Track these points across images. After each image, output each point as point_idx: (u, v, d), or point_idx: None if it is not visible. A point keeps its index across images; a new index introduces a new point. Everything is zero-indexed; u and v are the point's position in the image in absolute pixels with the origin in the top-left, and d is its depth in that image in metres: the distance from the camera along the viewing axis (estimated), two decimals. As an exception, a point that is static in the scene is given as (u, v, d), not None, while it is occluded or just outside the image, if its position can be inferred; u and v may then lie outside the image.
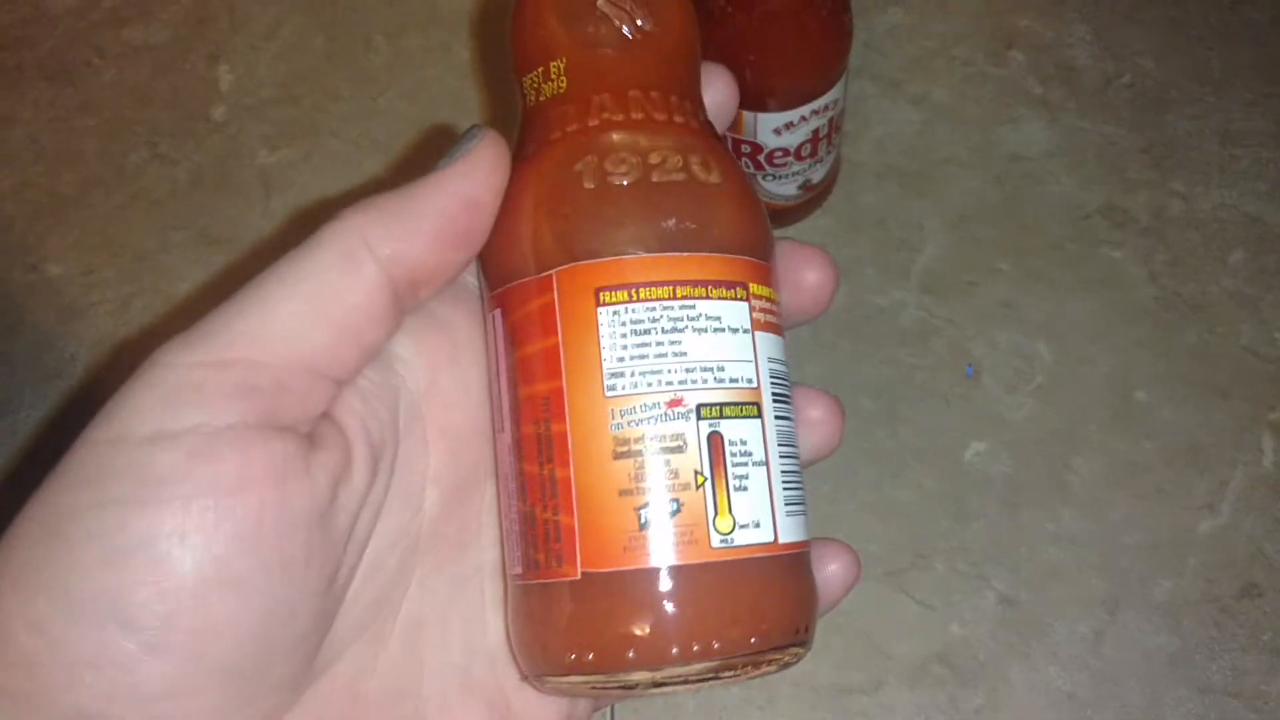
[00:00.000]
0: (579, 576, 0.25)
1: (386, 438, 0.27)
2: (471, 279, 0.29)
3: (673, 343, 0.26)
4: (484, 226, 0.27)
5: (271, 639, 0.25)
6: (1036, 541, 0.42)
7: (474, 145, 0.27)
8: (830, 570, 0.31)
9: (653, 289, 0.26)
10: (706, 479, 0.25)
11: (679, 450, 0.25)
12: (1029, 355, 0.45)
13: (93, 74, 0.53)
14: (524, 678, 0.27)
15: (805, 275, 0.30)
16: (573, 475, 0.25)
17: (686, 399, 0.25)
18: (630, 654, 0.24)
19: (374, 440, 0.27)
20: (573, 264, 0.26)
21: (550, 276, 0.26)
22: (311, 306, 0.25)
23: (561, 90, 0.27)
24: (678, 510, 0.25)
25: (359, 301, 0.25)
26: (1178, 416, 0.44)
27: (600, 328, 0.26)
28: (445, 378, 0.28)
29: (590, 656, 0.25)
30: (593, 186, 0.26)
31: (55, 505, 0.24)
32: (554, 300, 0.26)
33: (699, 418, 0.25)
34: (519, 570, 0.26)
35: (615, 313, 0.26)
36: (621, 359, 0.25)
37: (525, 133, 0.28)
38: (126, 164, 0.51)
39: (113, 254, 0.48)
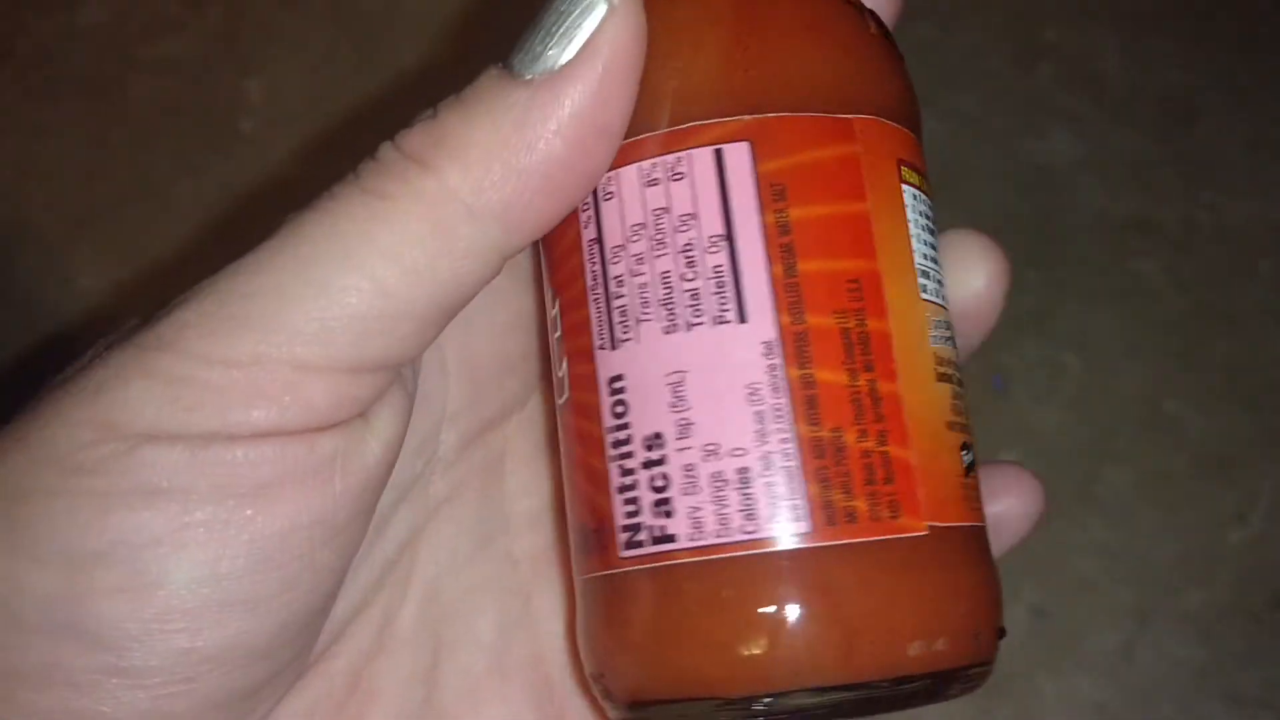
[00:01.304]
0: (925, 531, 0.19)
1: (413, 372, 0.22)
2: None
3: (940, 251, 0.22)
4: (607, 158, 0.20)
5: (279, 654, 0.20)
6: (1066, 552, 0.42)
7: (594, 22, 0.19)
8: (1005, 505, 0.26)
9: (928, 184, 0.21)
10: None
11: (963, 384, 0.21)
12: (1058, 366, 0.45)
13: (124, 87, 0.54)
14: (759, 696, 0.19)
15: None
16: (902, 393, 0.19)
17: None
18: (978, 638, 0.20)
19: (409, 384, 0.22)
20: (877, 118, 0.20)
21: (849, 122, 0.20)
22: (391, 299, 0.19)
23: None
24: (973, 461, 0.21)
25: (457, 281, 0.19)
26: (1207, 427, 0.44)
27: (906, 209, 0.20)
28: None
29: (946, 643, 0.19)
30: (878, 36, 0.21)
31: (13, 481, 0.19)
32: (858, 154, 0.20)
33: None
34: (802, 523, 0.18)
35: (915, 196, 0.21)
36: (925, 256, 0.21)
37: None
38: (157, 176, 0.51)
39: (143, 266, 0.49)
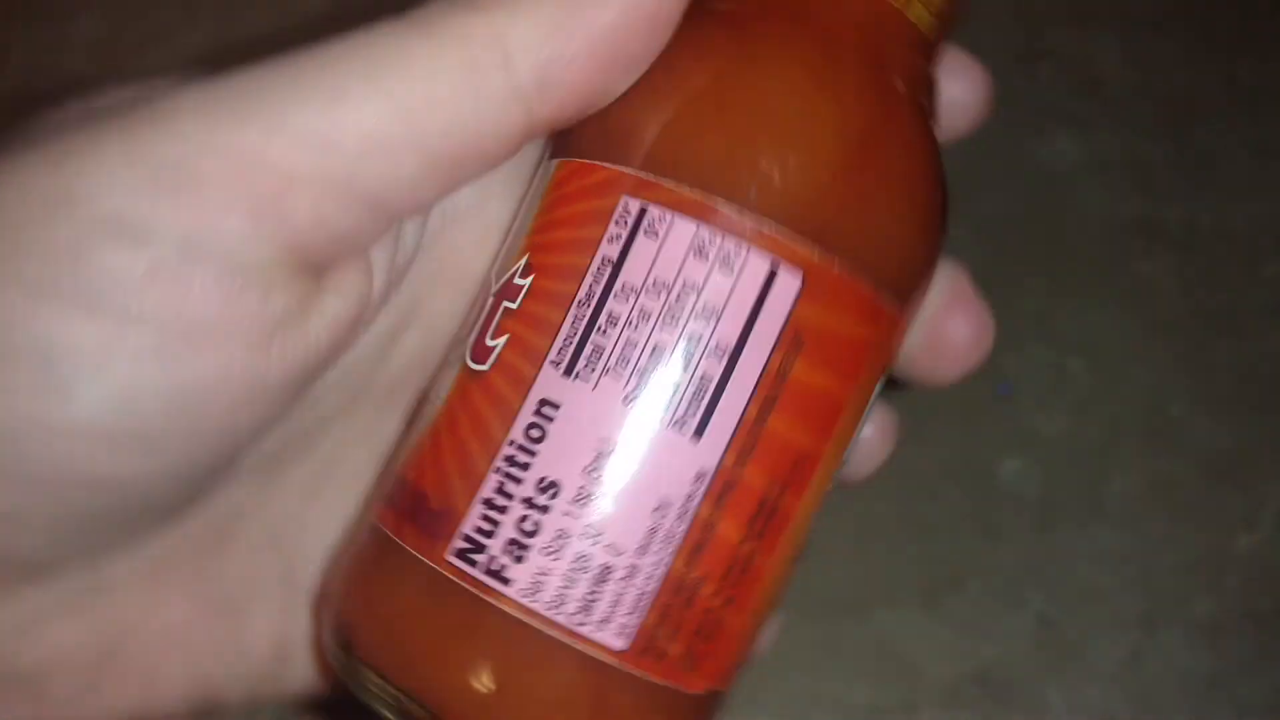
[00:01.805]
0: (701, 692, 0.21)
1: (403, 268, 0.22)
2: None
3: None
4: (656, 47, 0.20)
5: (165, 495, 0.20)
6: (1072, 560, 0.42)
7: None
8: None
9: None
10: None
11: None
12: (1061, 370, 0.44)
13: (119, 98, 0.54)
14: None
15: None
16: (767, 569, 0.21)
17: None
18: None
19: (394, 274, 0.21)
20: (903, 313, 0.22)
21: (882, 309, 0.21)
22: (406, 124, 0.18)
23: None
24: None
25: (478, 130, 0.19)
26: (1214, 432, 0.43)
27: (870, 400, 0.23)
28: (477, 211, 0.23)
29: None
30: (944, 223, 0.23)
31: None
32: (872, 344, 0.21)
33: None
34: (621, 642, 0.19)
35: (882, 383, 0.23)
36: (860, 433, 0.24)
37: None
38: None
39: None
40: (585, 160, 0.20)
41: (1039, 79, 0.51)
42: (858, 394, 0.20)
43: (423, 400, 0.22)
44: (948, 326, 0.25)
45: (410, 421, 0.23)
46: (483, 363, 0.20)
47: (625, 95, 0.20)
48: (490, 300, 0.21)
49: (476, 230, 0.23)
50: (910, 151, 0.22)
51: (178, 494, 0.20)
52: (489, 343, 0.20)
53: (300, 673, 0.25)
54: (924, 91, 0.22)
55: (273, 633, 0.24)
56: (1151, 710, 0.39)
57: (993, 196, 0.48)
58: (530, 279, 0.20)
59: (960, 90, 0.25)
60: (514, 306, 0.20)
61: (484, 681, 0.19)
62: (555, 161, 0.21)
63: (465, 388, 0.20)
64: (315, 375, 0.20)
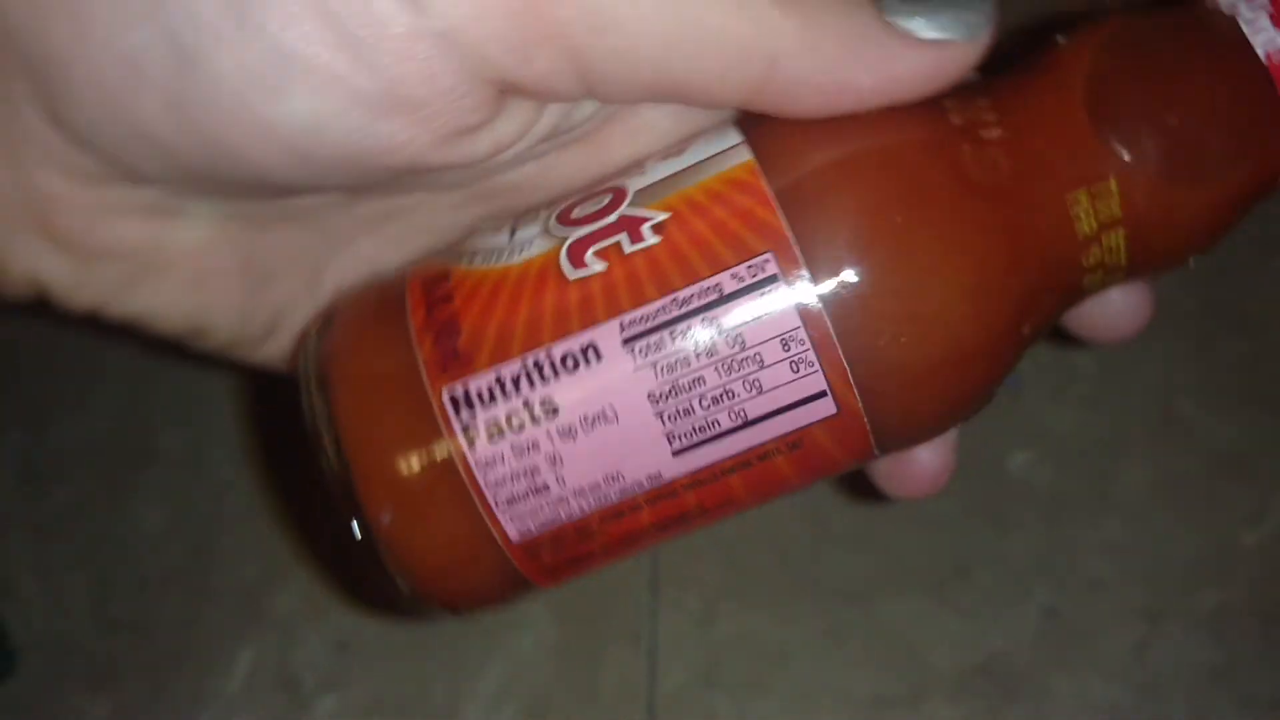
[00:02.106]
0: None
1: (567, 128, 0.24)
2: None
3: None
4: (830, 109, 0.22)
5: (287, 190, 0.24)
6: (1079, 552, 0.42)
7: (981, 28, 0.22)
8: None
9: None
10: None
11: None
12: (1071, 364, 0.45)
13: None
14: None
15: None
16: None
17: None
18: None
19: (558, 129, 0.24)
20: None
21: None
22: (664, 32, 0.21)
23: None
24: None
25: (708, 68, 0.21)
26: (1222, 427, 0.43)
27: None
28: (643, 110, 0.25)
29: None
30: None
31: None
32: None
33: None
34: (512, 533, 0.23)
35: None
36: None
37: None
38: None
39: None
40: (765, 186, 0.22)
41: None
42: (802, 488, 0.24)
43: (513, 217, 0.24)
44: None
45: (492, 224, 0.25)
46: (574, 269, 0.22)
47: (836, 169, 0.22)
48: (614, 216, 0.23)
49: (635, 126, 0.25)
50: (985, 388, 0.24)
51: (292, 192, 0.24)
52: (588, 258, 0.22)
53: (278, 350, 0.28)
54: (1040, 325, 0.24)
55: (278, 304, 0.27)
56: (1155, 702, 0.40)
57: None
58: (657, 240, 0.22)
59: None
60: (627, 249, 0.22)
61: (406, 473, 0.22)
62: (750, 157, 0.23)
63: (546, 275, 0.22)
64: (448, 171, 0.23)
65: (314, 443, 0.23)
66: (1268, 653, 0.40)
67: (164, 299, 0.26)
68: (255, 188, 0.23)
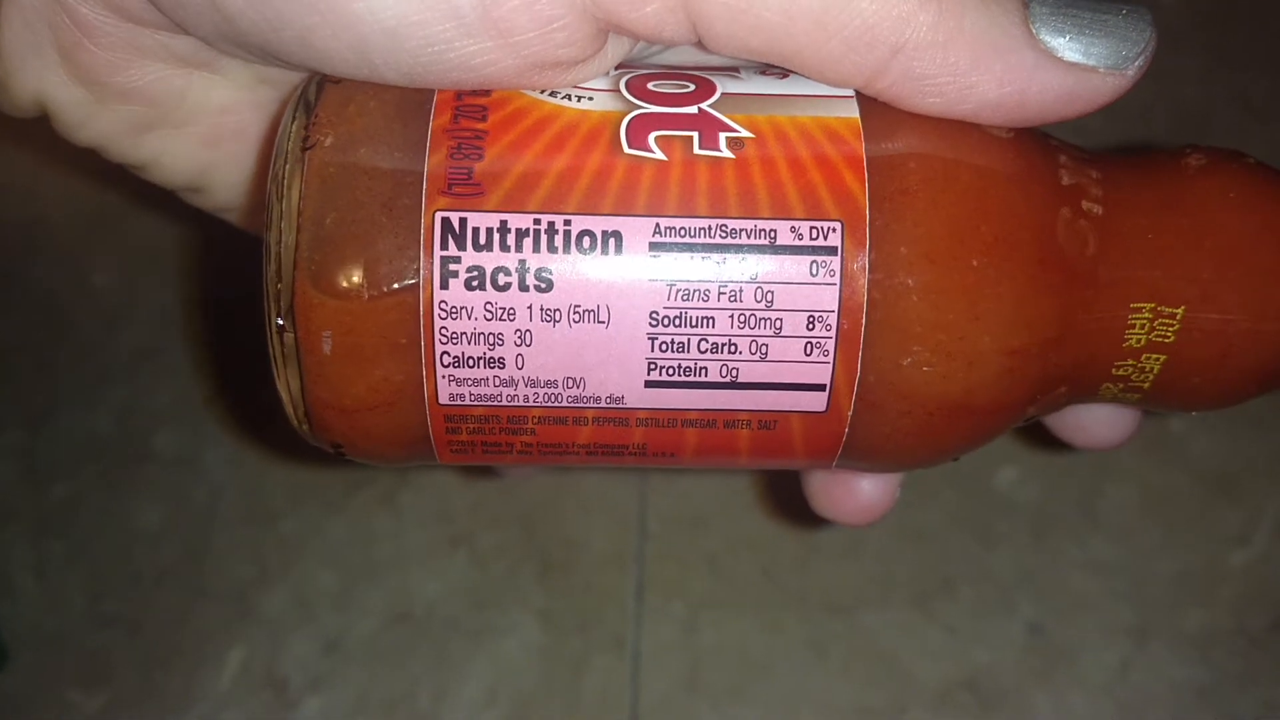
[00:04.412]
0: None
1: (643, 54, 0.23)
2: None
3: None
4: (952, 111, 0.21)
5: (338, 70, 0.22)
6: (1065, 568, 0.42)
7: (1140, 58, 0.21)
8: None
9: None
10: None
11: None
12: (1061, 381, 0.45)
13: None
14: None
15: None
16: None
17: None
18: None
19: (634, 54, 0.23)
20: None
21: None
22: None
23: None
24: None
25: (818, 39, 0.20)
26: (1211, 445, 0.43)
27: None
28: None
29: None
30: None
31: None
32: None
33: None
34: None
35: None
36: None
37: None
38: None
39: (155, 266, 0.49)
40: (862, 151, 0.21)
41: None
42: (744, 469, 0.23)
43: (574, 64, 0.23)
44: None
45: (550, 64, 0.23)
46: (629, 146, 0.21)
47: (943, 168, 0.21)
48: (694, 108, 0.21)
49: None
50: (966, 445, 0.24)
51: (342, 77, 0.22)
52: (650, 140, 0.21)
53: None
54: (1042, 412, 0.25)
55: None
56: (1139, 720, 0.40)
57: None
58: (730, 155, 0.20)
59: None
60: (696, 149, 0.21)
61: (359, 287, 0.20)
62: (857, 115, 0.21)
63: (597, 136, 0.21)
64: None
65: (266, 221, 0.21)
66: (1253, 674, 0.40)
67: (173, 151, 0.25)
68: (304, 68, 0.22)
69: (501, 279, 0.20)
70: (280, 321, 0.20)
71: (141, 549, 0.42)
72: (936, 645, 0.41)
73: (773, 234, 0.20)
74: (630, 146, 0.20)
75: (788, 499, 0.42)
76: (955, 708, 0.40)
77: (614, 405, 0.21)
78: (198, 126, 0.25)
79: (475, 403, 0.21)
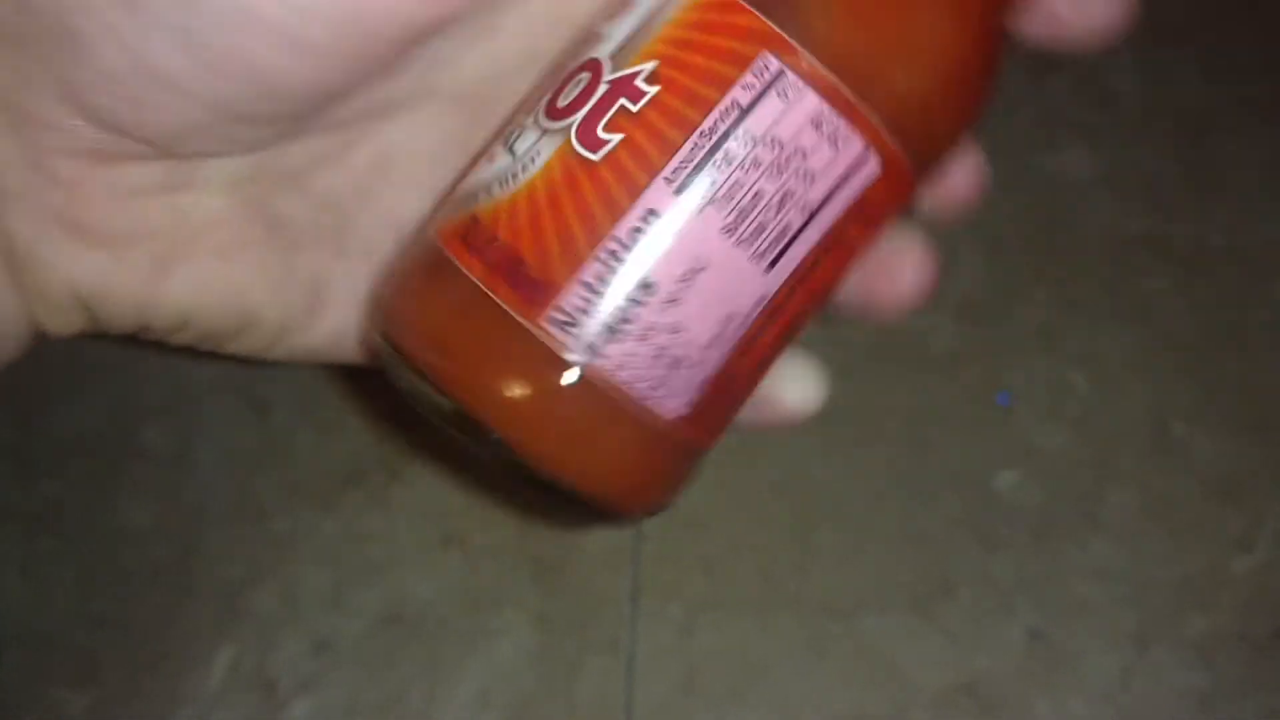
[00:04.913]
0: (675, 418, 0.25)
1: None
2: None
3: None
4: None
5: (298, 101, 0.24)
6: (1066, 574, 0.41)
7: None
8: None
9: None
10: None
11: None
12: (1064, 384, 0.44)
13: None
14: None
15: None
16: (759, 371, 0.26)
17: None
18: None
19: None
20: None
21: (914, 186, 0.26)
22: None
23: None
24: None
25: None
26: (1215, 451, 0.43)
27: None
28: None
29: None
30: None
31: None
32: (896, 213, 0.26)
33: None
34: (680, 408, 0.24)
35: None
36: None
37: None
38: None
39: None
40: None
41: (1050, 90, 0.50)
42: (878, 244, 0.25)
43: (500, 137, 0.25)
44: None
45: (483, 153, 0.25)
46: (594, 152, 0.22)
47: None
48: (603, 87, 0.23)
49: None
50: (986, 93, 0.26)
51: (309, 102, 0.24)
52: (601, 134, 0.23)
53: (325, 330, 0.28)
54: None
55: (313, 275, 0.27)
56: (1140, 727, 0.39)
57: (1000, 206, 0.48)
58: (656, 89, 0.22)
59: None
60: (633, 109, 0.22)
61: (557, 414, 0.23)
62: None
63: (571, 170, 0.23)
64: (424, 38, 0.24)
65: (452, 432, 0.24)
66: (1255, 680, 0.40)
67: (199, 279, 0.26)
68: (268, 105, 0.24)
69: (620, 319, 0.22)
70: (537, 483, 0.24)
71: (130, 547, 0.42)
72: (936, 649, 0.40)
73: (735, 104, 0.22)
74: (595, 153, 0.22)
75: (788, 499, 0.42)
76: (955, 713, 0.40)
77: (766, 304, 0.23)
78: (207, 244, 0.26)
79: (695, 396, 0.23)
